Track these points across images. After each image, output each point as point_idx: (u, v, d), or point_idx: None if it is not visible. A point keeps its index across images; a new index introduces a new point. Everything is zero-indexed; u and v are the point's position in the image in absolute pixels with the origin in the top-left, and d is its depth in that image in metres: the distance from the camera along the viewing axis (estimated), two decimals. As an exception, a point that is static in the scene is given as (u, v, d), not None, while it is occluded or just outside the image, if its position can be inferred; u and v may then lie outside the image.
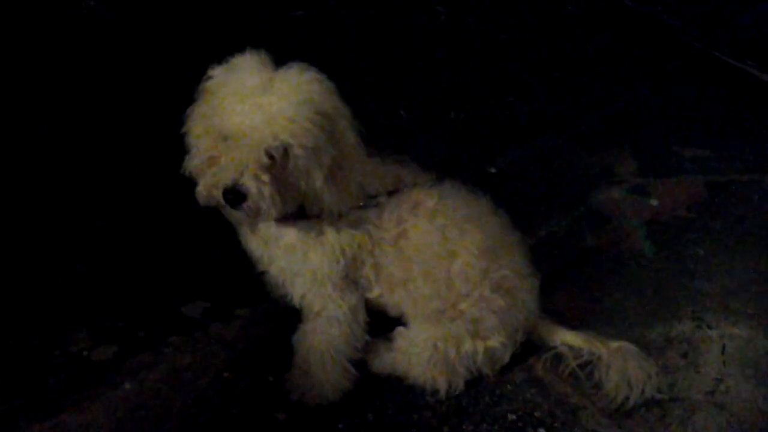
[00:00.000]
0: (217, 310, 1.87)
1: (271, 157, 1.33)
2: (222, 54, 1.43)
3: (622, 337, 1.76)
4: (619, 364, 1.69)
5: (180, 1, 3.19)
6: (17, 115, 2.41)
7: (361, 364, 1.70)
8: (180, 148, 1.46)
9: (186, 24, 3.05)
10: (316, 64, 1.42)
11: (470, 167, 2.46)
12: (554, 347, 1.76)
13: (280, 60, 1.42)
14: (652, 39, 3.49)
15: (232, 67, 1.38)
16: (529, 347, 1.78)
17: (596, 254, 2.19)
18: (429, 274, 1.61)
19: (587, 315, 1.95)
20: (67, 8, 2.98)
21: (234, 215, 1.41)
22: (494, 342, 1.67)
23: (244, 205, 1.34)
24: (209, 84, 1.40)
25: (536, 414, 1.70)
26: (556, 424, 1.67)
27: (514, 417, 1.69)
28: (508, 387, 1.75)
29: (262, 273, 1.67)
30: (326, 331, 1.62)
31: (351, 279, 1.59)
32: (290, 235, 1.52)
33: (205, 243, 1.97)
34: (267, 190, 1.32)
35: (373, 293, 1.65)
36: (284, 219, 1.46)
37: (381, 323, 1.71)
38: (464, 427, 1.66)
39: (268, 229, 1.53)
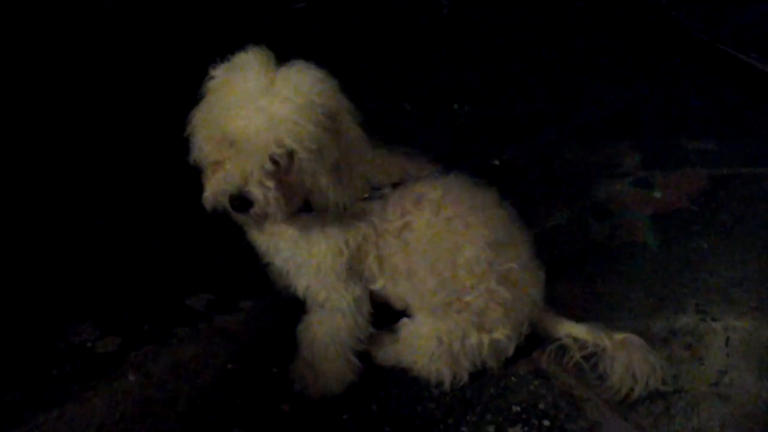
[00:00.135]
0: (221, 302, 1.88)
1: (275, 162, 1.33)
2: (225, 44, 1.42)
3: (626, 329, 1.75)
4: (624, 356, 1.69)
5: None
6: (24, 104, 2.41)
7: (365, 356, 1.70)
8: (183, 141, 1.46)
9: (189, 14, 3.04)
10: (318, 58, 1.41)
11: (474, 160, 2.46)
12: (559, 339, 1.76)
13: (281, 52, 1.40)
14: (656, 32, 3.48)
15: (234, 66, 1.37)
16: (534, 340, 1.78)
17: (600, 247, 2.19)
18: (434, 267, 1.60)
19: (591, 307, 1.94)
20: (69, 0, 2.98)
21: (241, 219, 1.42)
22: (499, 334, 1.66)
23: (251, 211, 1.35)
24: (211, 84, 1.39)
25: (540, 405, 1.70)
26: (560, 416, 1.67)
27: (518, 408, 1.69)
28: (513, 379, 1.75)
29: (267, 264, 1.67)
30: (331, 322, 1.61)
31: (355, 270, 1.59)
32: (295, 227, 1.52)
33: (209, 235, 1.96)
34: (272, 195, 1.33)
35: (378, 285, 1.64)
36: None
37: (386, 316, 1.71)
38: (468, 418, 1.66)
39: (274, 222, 1.53)
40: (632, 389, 1.68)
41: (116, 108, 2.51)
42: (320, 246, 1.53)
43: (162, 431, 1.57)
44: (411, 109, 2.74)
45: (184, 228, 2.04)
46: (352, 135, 1.42)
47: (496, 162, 2.45)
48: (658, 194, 2.41)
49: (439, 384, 1.69)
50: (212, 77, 1.39)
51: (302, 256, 1.55)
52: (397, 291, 1.66)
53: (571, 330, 1.75)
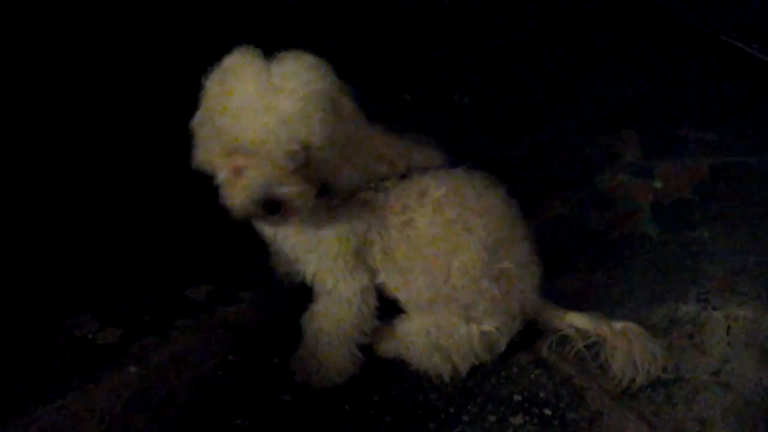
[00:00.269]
0: (221, 293, 1.88)
1: (293, 157, 1.33)
2: (225, 45, 1.40)
3: (627, 319, 1.75)
4: (625, 345, 1.69)
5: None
6: (24, 101, 2.41)
7: (366, 347, 1.70)
8: (182, 135, 1.45)
9: (189, 14, 3.03)
10: (318, 50, 1.40)
11: (475, 152, 2.45)
12: (560, 329, 1.75)
13: (282, 42, 1.39)
14: (658, 23, 3.46)
15: (226, 71, 1.36)
16: (535, 332, 1.78)
17: (601, 236, 2.18)
18: (428, 268, 1.60)
19: (592, 297, 1.94)
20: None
21: (273, 221, 1.44)
22: (488, 326, 1.66)
23: (282, 210, 1.36)
24: (209, 93, 1.38)
25: (541, 395, 1.70)
26: (561, 405, 1.67)
27: (519, 398, 1.69)
28: (514, 369, 1.75)
29: (272, 252, 1.67)
30: (337, 312, 1.61)
31: (361, 259, 1.59)
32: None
33: (209, 226, 1.96)
34: (298, 191, 1.35)
35: (381, 278, 1.65)
36: None
37: (392, 311, 1.71)
38: (470, 408, 1.66)
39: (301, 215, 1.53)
40: (633, 378, 1.68)
41: (116, 101, 2.50)
42: (328, 231, 1.54)
43: (163, 422, 1.57)
44: (411, 100, 2.73)
45: (184, 219, 2.04)
46: (352, 113, 1.43)
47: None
48: (658, 184, 2.41)
49: (437, 377, 1.69)
50: (207, 86, 1.39)
51: (310, 242, 1.55)
52: (391, 284, 1.66)
53: (571, 319, 1.75)
